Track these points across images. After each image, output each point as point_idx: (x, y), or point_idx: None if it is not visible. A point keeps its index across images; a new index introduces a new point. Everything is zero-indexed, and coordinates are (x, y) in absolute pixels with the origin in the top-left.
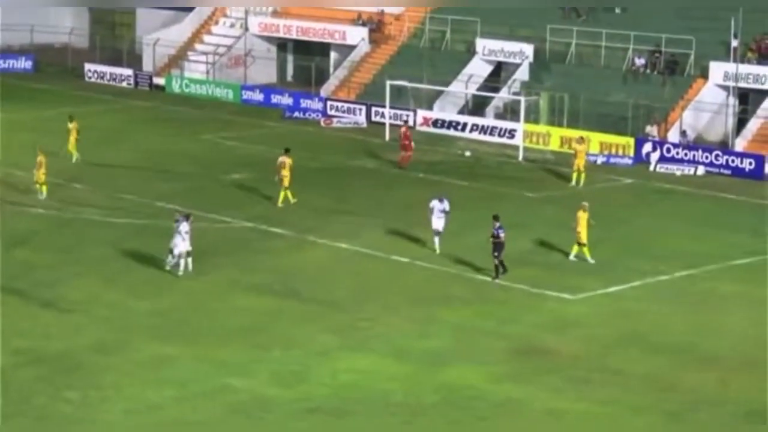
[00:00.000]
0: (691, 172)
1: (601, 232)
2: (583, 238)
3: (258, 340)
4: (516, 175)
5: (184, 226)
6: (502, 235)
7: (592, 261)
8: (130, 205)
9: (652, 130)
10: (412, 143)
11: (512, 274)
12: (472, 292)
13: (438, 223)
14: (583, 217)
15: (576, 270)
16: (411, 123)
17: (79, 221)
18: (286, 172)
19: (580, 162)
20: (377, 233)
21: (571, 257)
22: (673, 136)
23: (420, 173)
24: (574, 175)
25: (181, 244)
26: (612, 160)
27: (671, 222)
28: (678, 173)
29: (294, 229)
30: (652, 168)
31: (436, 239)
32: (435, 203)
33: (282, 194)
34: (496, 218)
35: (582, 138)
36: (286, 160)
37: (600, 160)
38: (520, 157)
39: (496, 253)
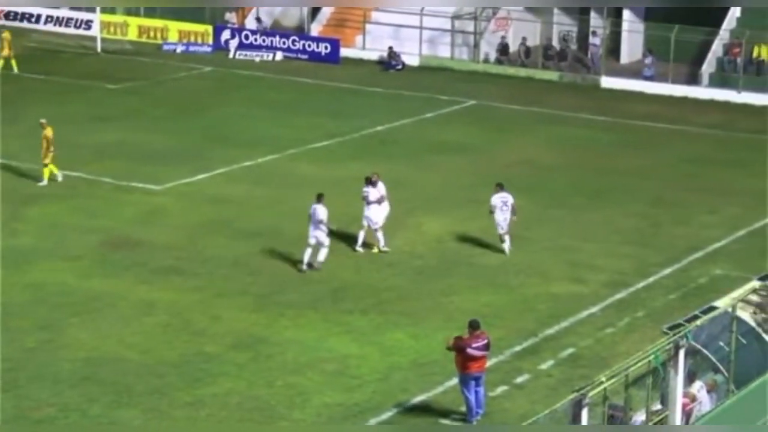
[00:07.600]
0: (270, 58)
1: (184, 122)
2: (45, 159)
3: None
4: (95, 67)
5: None
6: None
7: (44, 183)
8: None
9: (231, 16)
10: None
11: (97, 167)
12: (60, 187)
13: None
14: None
15: (160, 160)
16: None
17: None
18: None
19: (3, 51)
20: None
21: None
22: (251, 22)
23: None
24: (0, 63)
25: None
26: (191, 48)
27: (253, 109)
28: (257, 59)
29: None
30: (231, 55)
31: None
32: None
33: None
34: None
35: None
36: None
37: (179, 49)
38: (99, 49)
39: None
